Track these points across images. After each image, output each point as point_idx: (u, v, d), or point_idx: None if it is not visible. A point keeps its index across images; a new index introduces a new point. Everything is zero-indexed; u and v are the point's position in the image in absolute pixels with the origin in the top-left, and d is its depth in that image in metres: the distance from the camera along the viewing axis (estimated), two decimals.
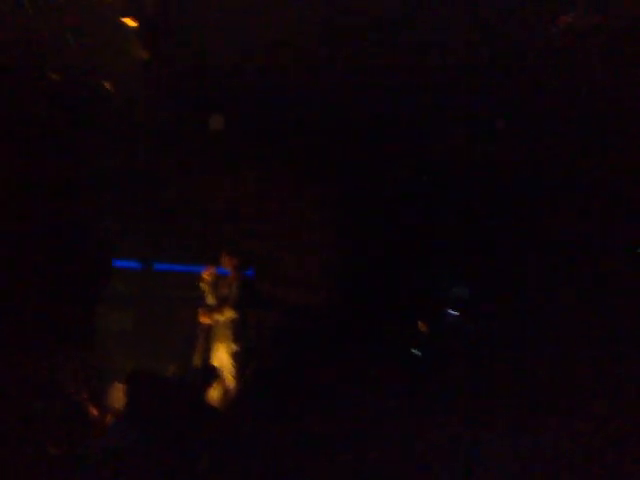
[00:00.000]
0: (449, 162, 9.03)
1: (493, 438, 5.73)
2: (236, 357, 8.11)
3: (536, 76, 7.95)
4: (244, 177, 10.32)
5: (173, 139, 10.04)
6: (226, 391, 7.96)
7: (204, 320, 8.22)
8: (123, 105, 9.08)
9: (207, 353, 8.25)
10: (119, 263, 10.45)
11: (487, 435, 5.67)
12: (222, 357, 8.16)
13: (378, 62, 8.08)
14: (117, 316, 10.41)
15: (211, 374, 8.08)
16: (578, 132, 8.26)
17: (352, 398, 6.84)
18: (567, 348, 7.53)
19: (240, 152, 10.11)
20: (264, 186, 10.35)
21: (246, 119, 9.73)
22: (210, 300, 8.22)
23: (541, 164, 8.70)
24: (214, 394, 7.80)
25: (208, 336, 8.23)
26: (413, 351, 8.02)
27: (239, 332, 8.16)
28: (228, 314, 8.13)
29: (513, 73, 8.04)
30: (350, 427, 6.02)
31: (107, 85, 8.67)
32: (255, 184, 10.41)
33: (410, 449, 5.55)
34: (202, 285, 8.30)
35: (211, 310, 8.20)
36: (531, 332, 7.84)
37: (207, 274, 8.25)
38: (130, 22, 7.71)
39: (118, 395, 6.17)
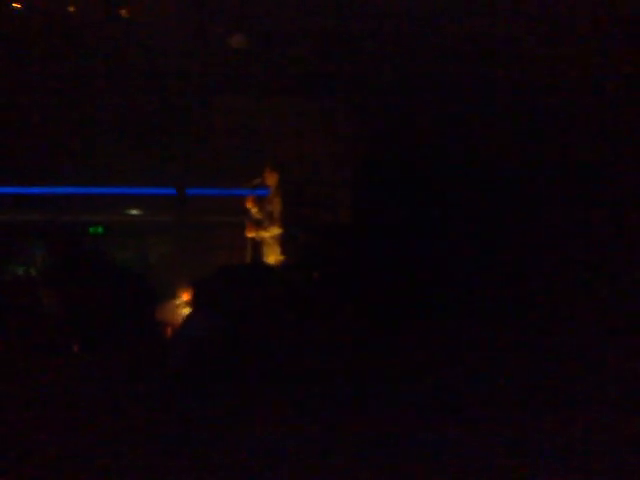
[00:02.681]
0: None
1: None
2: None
3: None
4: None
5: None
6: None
7: (250, 234, 8.44)
8: None
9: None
10: (153, 190, 10.63)
11: None
12: None
13: None
14: (155, 241, 10.66)
15: None
16: None
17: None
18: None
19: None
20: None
21: None
22: (257, 215, 8.43)
23: None
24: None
25: (257, 251, 8.46)
26: None
27: (285, 247, 8.33)
28: (274, 231, 8.31)
29: None
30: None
31: None
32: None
33: None
34: (248, 204, 8.48)
35: (257, 226, 8.40)
36: None
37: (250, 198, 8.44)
38: None
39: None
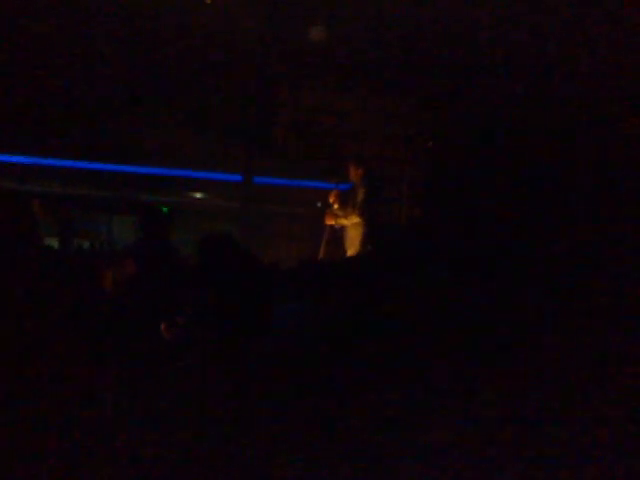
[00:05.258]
0: None
1: None
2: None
3: None
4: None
5: None
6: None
7: (329, 222, 8.57)
8: None
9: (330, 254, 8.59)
10: (221, 176, 10.77)
11: None
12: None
13: None
14: (220, 227, 10.79)
15: None
16: None
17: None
18: None
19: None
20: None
21: None
22: (338, 212, 8.56)
23: None
24: None
25: (335, 238, 8.59)
26: None
27: (365, 237, 8.43)
28: (353, 219, 8.43)
29: None
30: None
31: None
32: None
33: None
34: (330, 199, 8.62)
35: (337, 215, 8.53)
36: None
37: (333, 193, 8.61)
38: None
39: None
